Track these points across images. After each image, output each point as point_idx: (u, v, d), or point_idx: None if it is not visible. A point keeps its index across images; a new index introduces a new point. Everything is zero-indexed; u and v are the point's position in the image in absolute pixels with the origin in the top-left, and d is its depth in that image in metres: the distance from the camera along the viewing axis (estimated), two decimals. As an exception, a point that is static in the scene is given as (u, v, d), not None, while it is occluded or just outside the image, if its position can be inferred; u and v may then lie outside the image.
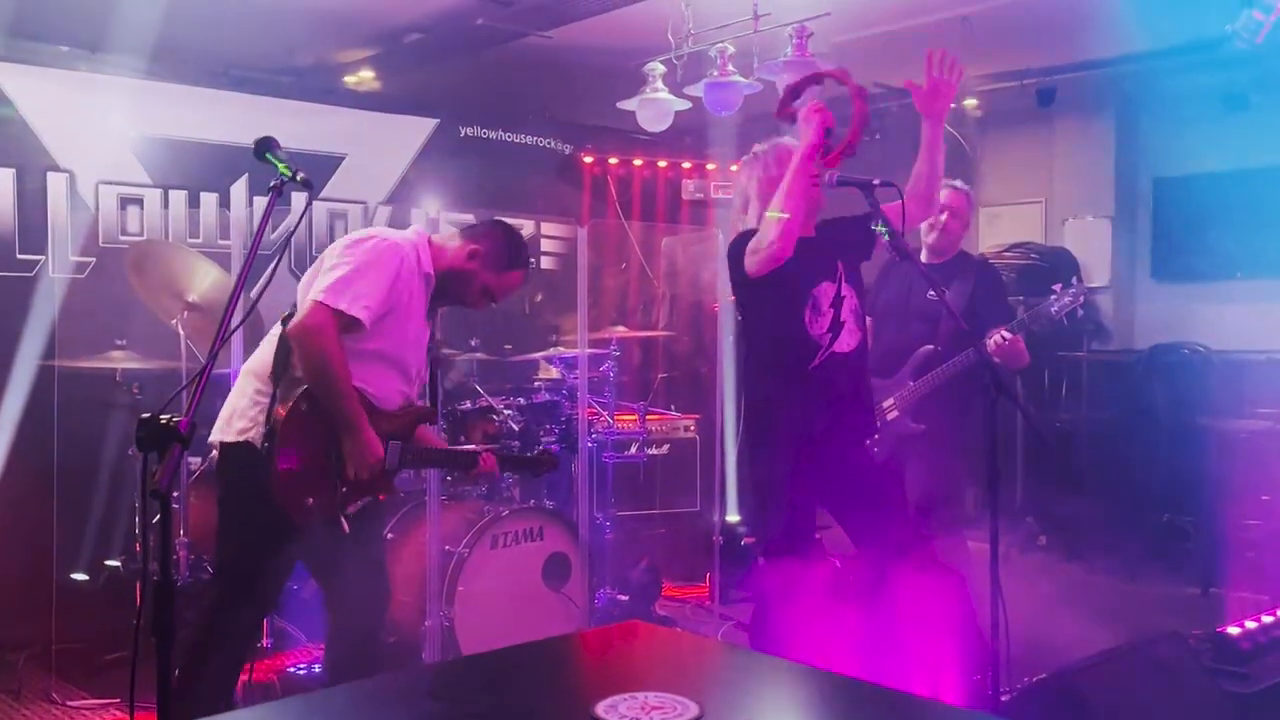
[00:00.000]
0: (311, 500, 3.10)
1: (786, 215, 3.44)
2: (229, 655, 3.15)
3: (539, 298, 6.80)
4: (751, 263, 3.56)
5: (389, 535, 4.65)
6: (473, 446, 3.80)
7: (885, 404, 4.48)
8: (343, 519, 3.18)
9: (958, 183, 4.64)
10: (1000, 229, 7.98)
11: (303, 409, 3.09)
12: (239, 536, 3.16)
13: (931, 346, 4.49)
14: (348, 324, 3.09)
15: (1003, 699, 3.14)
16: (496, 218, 3.62)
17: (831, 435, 3.67)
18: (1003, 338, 4.36)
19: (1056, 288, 4.52)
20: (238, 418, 3.16)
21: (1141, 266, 7.59)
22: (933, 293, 4.19)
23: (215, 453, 3.21)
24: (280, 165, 2.67)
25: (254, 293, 2.80)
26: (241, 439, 3.11)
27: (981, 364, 3.33)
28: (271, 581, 3.22)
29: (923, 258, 4.64)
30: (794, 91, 3.79)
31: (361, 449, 3.14)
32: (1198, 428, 6.41)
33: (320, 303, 3.07)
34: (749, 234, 3.64)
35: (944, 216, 4.56)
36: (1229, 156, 6.99)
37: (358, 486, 3.21)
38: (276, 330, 3.24)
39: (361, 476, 3.17)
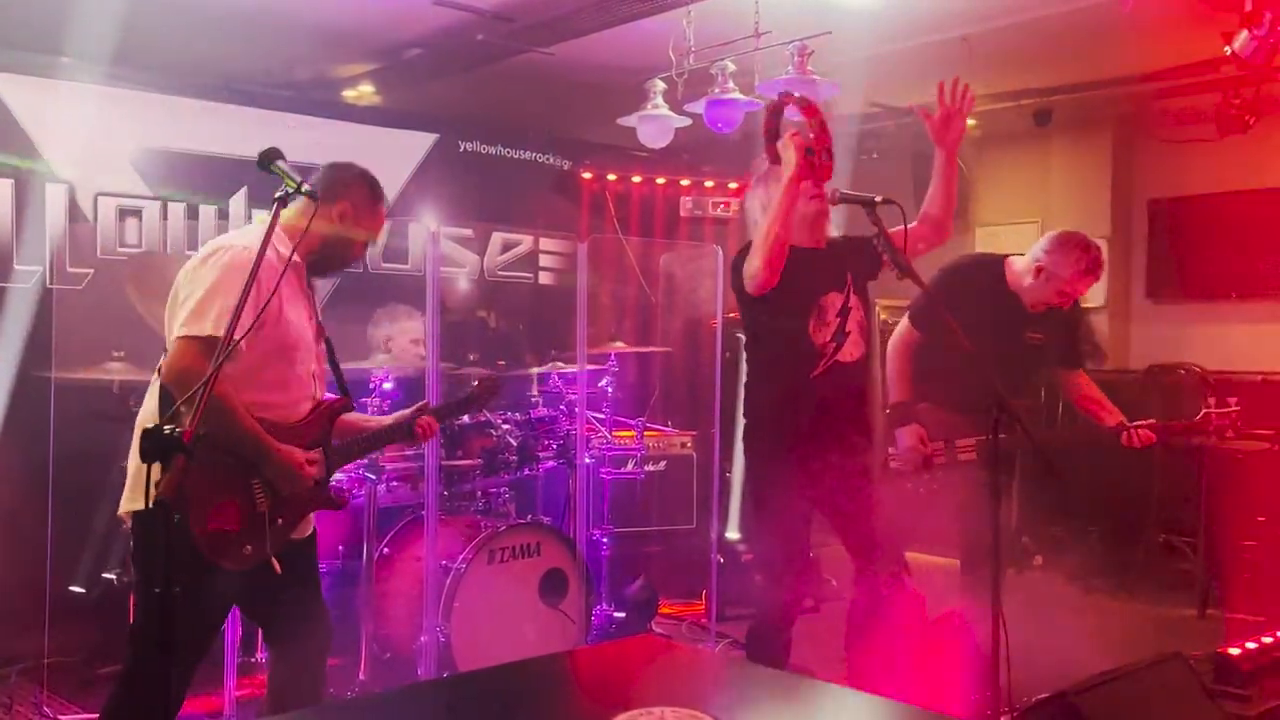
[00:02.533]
0: (250, 548, 2.94)
1: (771, 240, 3.51)
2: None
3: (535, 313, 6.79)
4: (748, 286, 3.64)
5: (385, 550, 4.64)
6: (407, 411, 3.53)
7: (962, 441, 4.23)
8: (274, 560, 2.99)
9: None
10: (996, 248, 7.93)
11: (206, 457, 2.76)
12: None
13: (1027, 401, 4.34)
14: (216, 348, 2.74)
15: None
16: (334, 162, 3.29)
17: (830, 444, 3.68)
18: (1137, 436, 4.19)
19: (1212, 401, 4.28)
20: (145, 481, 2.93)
21: (1137, 287, 7.64)
22: (1039, 335, 4.21)
23: (128, 524, 3.01)
24: (286, 176, 2.65)
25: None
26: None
27: (989, 389, 3.29)
28: (205, 636, 3.02)
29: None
30: (773, 133, 3.80)
31: (284, 469, 2.98)
32: (1193, 448, 6.42)
33: (183, 337, 2.87)
34: (749, 246, 3.68)
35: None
36: (1224, 178, 7.03)
37: (295, 512, 3.09)
38: (155, 380, 3.03)
39: (300, 492, 3.04)
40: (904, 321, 4.23)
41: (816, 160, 3.58)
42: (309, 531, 3.24)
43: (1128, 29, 5.48)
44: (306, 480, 3.05)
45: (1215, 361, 6.75)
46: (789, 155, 3.59)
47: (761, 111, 4.07)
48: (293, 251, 2.94)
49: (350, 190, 3.19)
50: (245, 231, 3.09)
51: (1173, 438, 4.37)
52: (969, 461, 4.24)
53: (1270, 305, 6.90)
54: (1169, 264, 7.42)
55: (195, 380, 2.70)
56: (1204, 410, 4.26)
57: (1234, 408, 4.23)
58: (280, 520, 3.03)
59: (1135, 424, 4.22)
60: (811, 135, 3.61)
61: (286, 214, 3.00)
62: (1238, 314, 7.09)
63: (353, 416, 3.43)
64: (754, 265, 3.58)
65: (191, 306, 2.86)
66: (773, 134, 3.75)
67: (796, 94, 3.75)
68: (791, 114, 3.76)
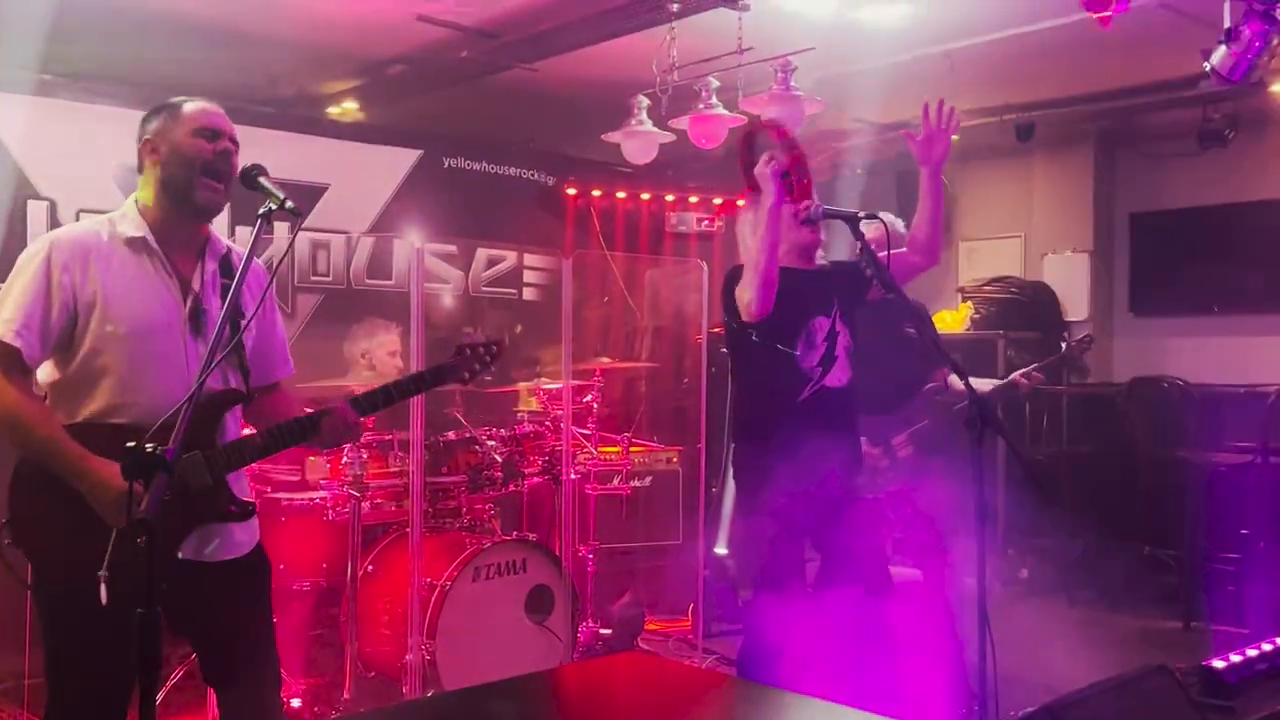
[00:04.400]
0: (105, 574, 2.24)
1: (762, 272, 3.50)
2: None
3: (519, 329, 6.79)
4: (743, 313, 3.62)
5: (369, 567, 4.61)
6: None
7: (896, 440, 4.45)
8: (102, 586, 2.18)
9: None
10: (979, 263, 8.05)
11: (23, 474, 2.63)
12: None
13: (937, 384, 4.57)
14: (9, 356, 2.56)
15: (990, 733, 3.12)
16: None
17: (819, 468, 3.67)
18: (1028, 378, 4.72)
19: (1066, 334, 4.87)
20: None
21: (1120, 301, 7.68)
22: (912, 329, 4.30)
23: None
24: (270, 192, 2.63)
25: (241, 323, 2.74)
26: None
27: (970, 398, 3.31)
28: (117, 686, 2.59)
29: None
30: (749, 163, 3.80)
31: (97, 489, 2.47)
32: (1176, 461, 6.45)
33: None
34: (741, 269, 3.67)
35: None
36: (1205, 192, 7.09)
37: (172, 528, 2.57)
38: None
39: (114, 521, 2.37)
40: None
41: (794, 181, 3.58)
42: (244, 551, 2.77)
43: (1108, 45, 5.52)
44: (117, 504, 2.38)
45: (1198, 375, 6.79)
46: (765, 184, 3.56)
47: (735, 143, 4.07)
48: (146, 230, 2.68)
49: (146, 125, 2.89)
50: (71, 225, 2.81)
51: (1050, 369, 5.11)
52: (908, 457, 4.43)
53: (1252, 318, 6.95)
54: (1151, 278, 7.47)
55: None
56: (1063, 343, 5.02)
57: (1089, 342, 5.29)
58: (142, 541, 2.12)
59: (1019, 371, 4.84)
60: (785, 157, 3.60)
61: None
62: (1220, 327, 7.13)
63: (285, 406, 2.95)
64: (745, 297, 3.56)
65: None
66: (749, 164, 3.74)
67: (764, 118, 3.75)
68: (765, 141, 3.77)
